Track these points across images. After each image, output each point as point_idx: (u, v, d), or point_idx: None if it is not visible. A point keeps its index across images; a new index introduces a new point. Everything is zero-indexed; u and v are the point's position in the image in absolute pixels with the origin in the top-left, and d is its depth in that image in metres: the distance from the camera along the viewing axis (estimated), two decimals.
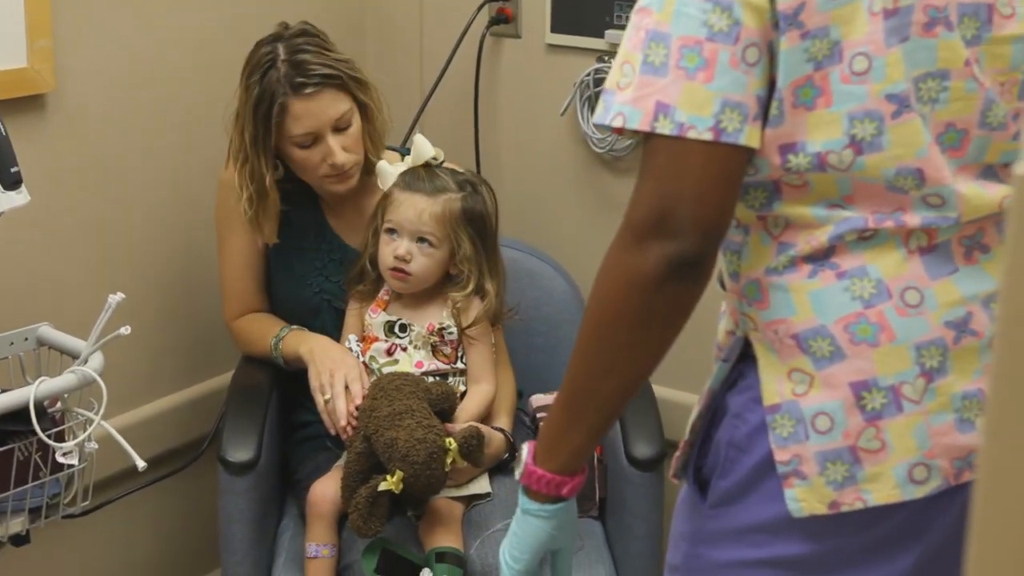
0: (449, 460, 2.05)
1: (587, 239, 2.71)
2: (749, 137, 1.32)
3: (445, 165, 2.29)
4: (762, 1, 1.31)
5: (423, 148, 2.25)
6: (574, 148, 2.69)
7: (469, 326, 2.26)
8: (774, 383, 1.41)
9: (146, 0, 2.43)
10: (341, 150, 2.26)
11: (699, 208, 1.31)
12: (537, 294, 2.61)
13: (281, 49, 2.24)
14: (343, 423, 2.16)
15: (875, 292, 1.38)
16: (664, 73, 1.31)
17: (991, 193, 1.40)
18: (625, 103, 1.33)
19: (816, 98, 1.34)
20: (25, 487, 1.84)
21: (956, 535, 1.43)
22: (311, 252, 2.39)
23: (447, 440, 2.06)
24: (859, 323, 1.38)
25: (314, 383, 2.23)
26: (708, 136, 1.30)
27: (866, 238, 1.39)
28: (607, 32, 2.57)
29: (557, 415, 1.46)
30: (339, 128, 2.27)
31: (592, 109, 2.62)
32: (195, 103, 2.55)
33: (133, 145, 2.45)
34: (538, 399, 2.53)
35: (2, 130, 1.82)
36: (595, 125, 1.42)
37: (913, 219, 1.38)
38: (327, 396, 2.19)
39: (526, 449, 1.51)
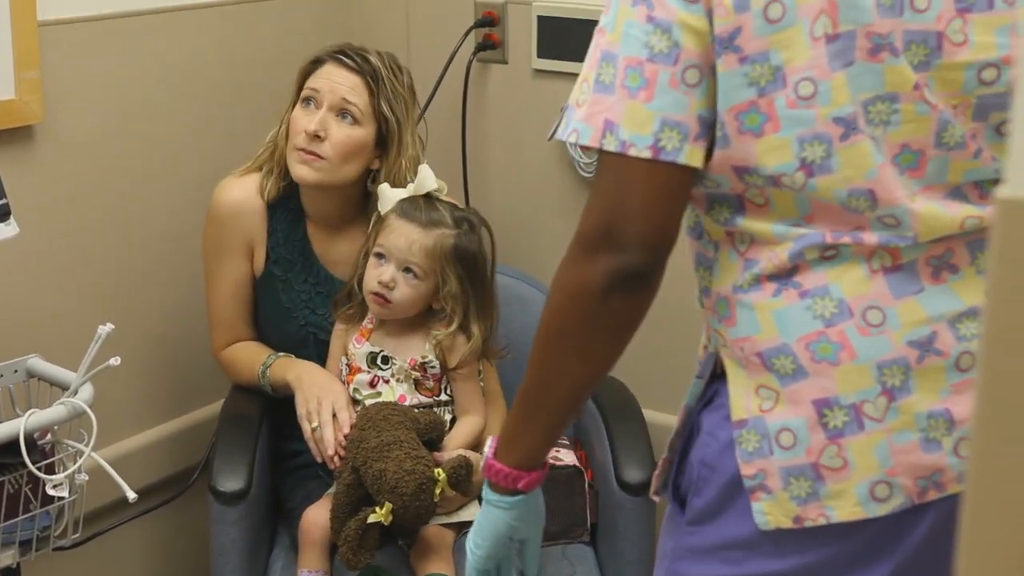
0: (438, 491, 2.05)
1: None
2: (689, 156, 1.35)
3: (447, 199, 2.28)
4: (702, 24, 1.34)
5: (426, 179, 2.24)
6: (562, 173, 2.69)
7: (455, 368, 2.25)
8: (742, 398, 1.44)
9: (134, 30, 2.43)
10: (321, 124, 2.25)
11: (642, 223, 1.36)
12: (527, 319, 2.61)
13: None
14: (331, 452, 2.16)
15: (836, 311, 1.40)
16: (612, 91, 1.35)
17: (952, 213, 1.41)
18: (579, 120, 1.38)
19: (763, 124, 1.36)
20: (15, 520, 1.83)
21: (926, 554, 1.44)
22: (297, 284, 2.39)
23: (436, 471, 2.06)
24: (820, 341, 1.40)
25: (300, 411, 2.23)
26: (647, 154, 1.34)
27: (828, 257, 1.41)
28: None
29: (515, 413, 1.53)
30: (341, 113, 2.28)
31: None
32: (184, 132, 2.55)
33: (122, 175, 2.45)
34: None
35: None
36: (557, 139, 1.46)
37: (871, 238, 1.40)
38: (314, 424, 2.19)
39: (489, 443, 1.57)
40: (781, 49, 1.35)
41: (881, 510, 1.41)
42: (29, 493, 1.84)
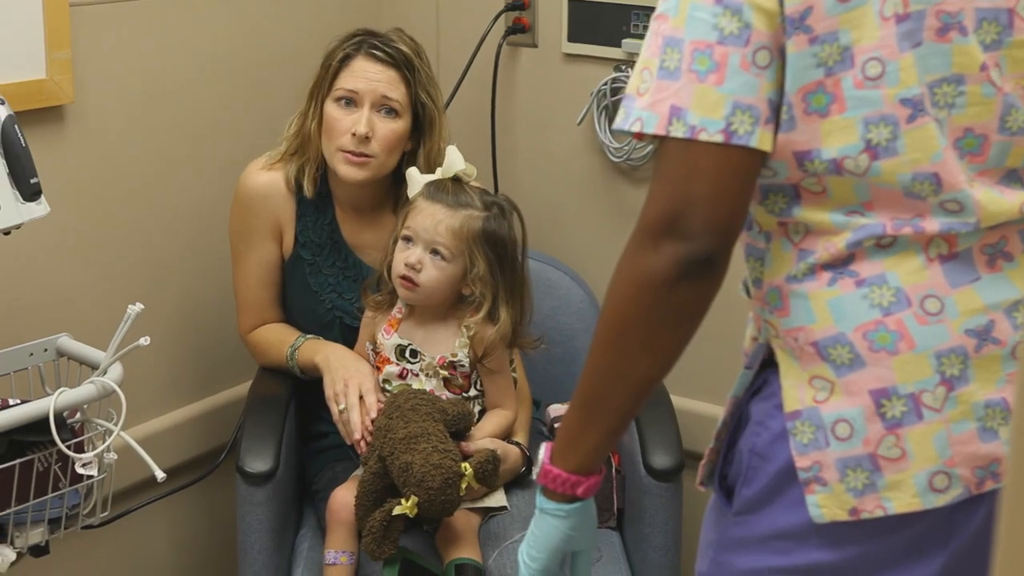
0: (464, 485, 2.05)
1: (604, 248, 2.71)
2: (760, 140, 1.33)
3: (476, 185, 2.27)
4: (772, 5, 1.32)
5: (454, 160, 2.22)
6: (591, 157, 2.68)
7: (482, 358, 2.22)
8: (795, 390, 1.41)
9: (164, 12, 2.44)
10: (368, 124, 2.24)
11: (711, 209, 1.32)
12: (554, 303, 2.61)
13: (377, 34, 2.32)
14: (357, 436, 2.16)
15: (894, 300, 1.38)
16: (678, 77, 1.33)
17: (1009, 199, 1.39)
18: (643, 108, 1.35)
19: (829, 104, 1.34)
20: (44, 498, 1.84)
21: (979, 545, 1.42)
22: (325, 268, 2.39)
23: (463, 465, 2.05)
24: (878, 331, 1.38)
25: (328, 392, 2.23)
26: (719, 138, 1.31)
27: (885, 246, 1.39)
28: (624, 41, 2.57)
29: (573, 415, 1.47)
30: (381, 109, 2.27)
31: (609, 119, 2.62)
32: (212, 114, 2.56)
33: (151, 156, 2.46)
34: (555, 409, 2.52)
35: (22, 141, 1.83)
36: (615, 131, 1.44)
37: (932, 225, 1.38)
38: (342, 406, 2.19)
39: (543, 449, 1.51)
40: (851, 28, 1.33)
41: (940, 501, 1.39)
42: (59, 471, 1.84)
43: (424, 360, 2.22)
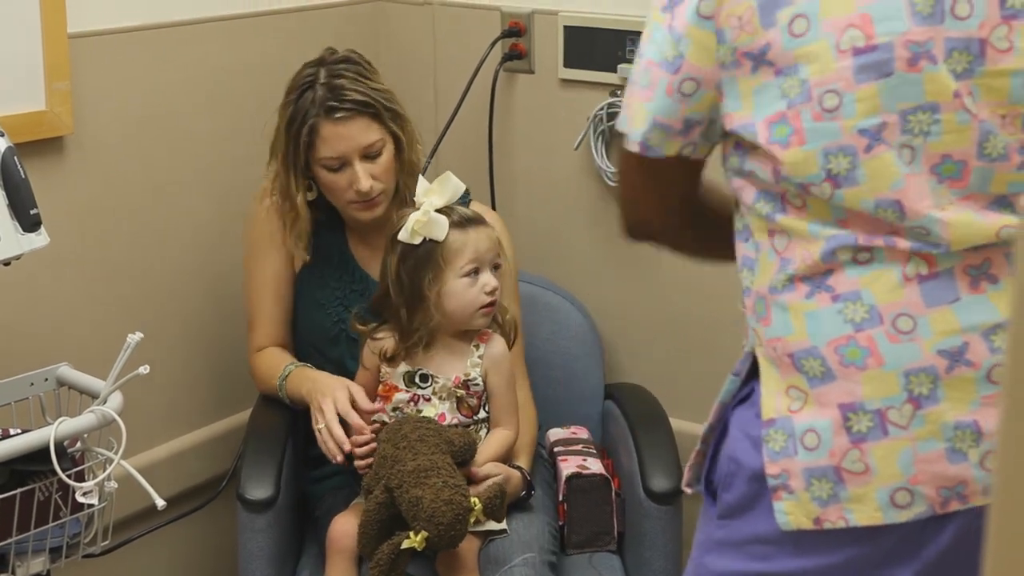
0: (473, 519, 2.05)
1: (602, 272, 2.72)
2: (668, 148, 1.49)
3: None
4: (710, 42, 1.43)
5: (457, 184, 2.22)
6: (588, 182, 2.70)
7: (489, 375, 2.24)
8: (773, 398, 1.46)
9: (163, 41, 2.45)
10: (367, 177, 2.27)
11: (627, 210, 1.62)
12: (553, 328, 2.62)
13: (322, 73, 2.29)
14: (340, 458, 2.15)
15: (867, 317, 1.42)
16: (633, 86, 1.51)
17: (988, 222, 1.41)
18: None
19: (790, 136, 1.40)
20: (45, 527, 1.84)
21: (946, 564, 1.44)
22: (333, 281, 2.40)
23: (472, 500, 2.06)
24: (849, 346, 1.42)
25: (313, 424, 2.22)
26: (636, 148, 1.49)
27: (862, 262, 1.42)
28: (619, 67, 2.59)
29: None
30: (368, 156, 2.29)
31: (606, 143, 2.63)
32: (212, 143, 2.57)
33: (151, 186, 2.47)
34: (555, 433, 2.53)
35: (22, 172, 1.84)
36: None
37: (904, 243, 1.41)
38: (320, 425, 2.19)
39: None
40: (808, 62, 1.39)
41: (901, 517, 1.42)
42: (59, 500, 1.85)
43: (438, 383, 2.22)
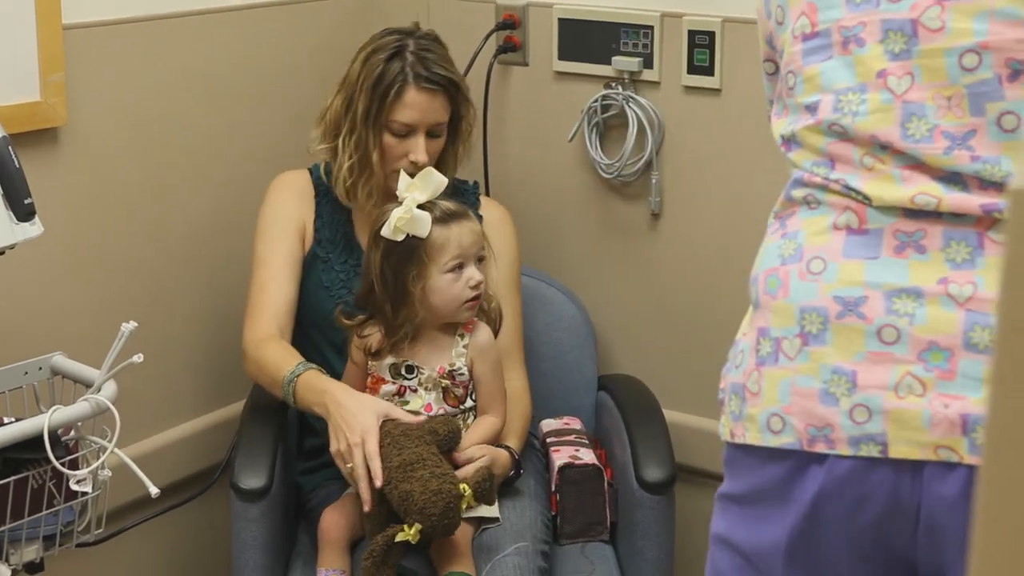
0: (464, 506, 2.06)
1: (596, 265, 2.73)
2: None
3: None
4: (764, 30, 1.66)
5: (439, 178, 2.23)
6: (582, 174, 2.70)
7: (474, 364, 2.24)
8: (744, 324, 1.60)
9: (158, 34, 2.46)
10: (424, 151, 2.33)
11: None
12: (546, 319, 2.63)
13: (411, 42, 2.37)
14: (368, 508, 2.11)
15: (792, 254, 1.52)
16: None
17: (905, 189, 1.47)
18: None
19: (773, 107, 1.63)
20: (39, 515, 1.85)
21: (822, 513, 1.48)
22: (337, 265, 2.41)
23: (461, 486, 2.06)
24: (772, 277, 1.53)
25: (333, 448, 2.16)
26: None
27: (812, 206, 1.53)
28: (614, 59, 2.59)
29: None
30: (432, 133, 2.36)
31: (600, 135, 2.64)
32: (207, 134, 2.57)
33: (145, 177, 2.47)
34: (548, 424, 2.54)
35: (16, 162, 1.84)
36: None
37: (838, 191, 1.52)
38: (349, 465, 2.13)
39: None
40: (784, 47, 1.58)
41: (773, 442, 1.49)
42: (53, 488, 1.85)
43: (423, 373, 2.23)
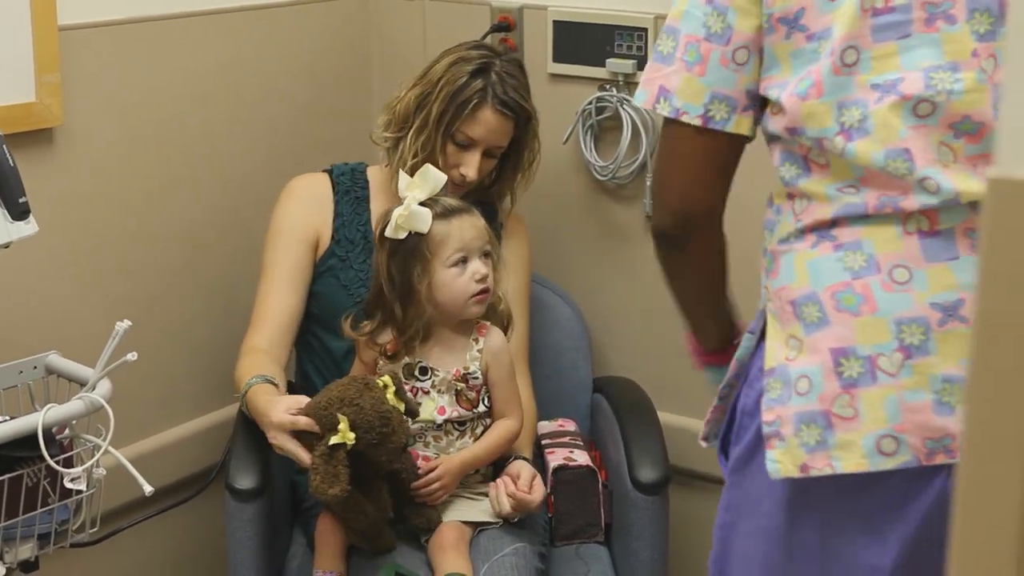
0: (389, 395, 2.05)
1: (591, 266, 2.73)
2: (737, 125, 1.51)
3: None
4: (754, 8, 1.49)
5: (438, 175, 2.23)
6: (577, 176, 2.71)
7: (489, 367, 2.25)
8: (776, 349, 1.51)
9: (153, 35, 2.46)
10: (476, 167, 2.36)
11: (678, 191, 1.56)
12: (541, 321, 2.63)
13: (498, 63, 2.40)
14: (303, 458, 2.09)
15: (865, 265, 1.46)
16: (671, 62, 1.53)
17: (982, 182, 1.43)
18: (640, 86, 1.57)
19: (809, 88, 1.47)
20: (34, 513, 1.85)
21: (935, 523, 1.45)
22: (356, 264, 2.42)
23: (380, 379, 2.08)
24: (845, 292, 1.46)
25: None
26: (698, 122, 1.51)
27: (866, 216, 1.47)
28: (608, 61, 2.60)
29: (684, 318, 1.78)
30: (489, 153, 2.39)
31: (595, 137, 2.65)
32: (202, 136, 2.58)
33: (140, 178, 2.48)
34: (543, 426, 2.54)
35: (11, 161, 1.85)
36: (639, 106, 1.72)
37: (911, 204, 1.44)
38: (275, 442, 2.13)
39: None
40: (837, 22, 1.46)
41: (887, 464, 1.43)
42: (47, 487, 1.86)
43: (437, 376, 2.23)
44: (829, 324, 1.46)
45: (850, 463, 1.44)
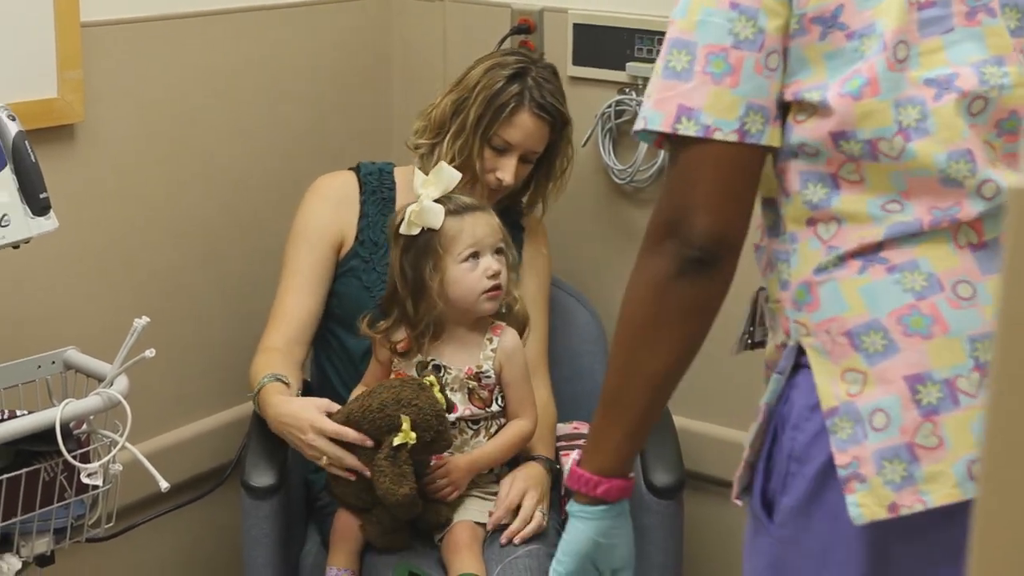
0: (436, 392, 2.08)
1: (608, 270, 2.73)
2: (770, 137, 1.39)
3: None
4: (783, 9, 1.39)
5: (453, 174, 2.24)
6: (595, 179, 2.71)
7: (503, 368, 2.25)
8: (829, 386, 1.40)
9: (175, 33, 2.47)
10: (513, 172, 2.37)
11: (709, 211, 1.39)
12: (559, 324, 2.63)
13: (534, 69, 2.41)
14: (351, 461, 2.11)
15: (927, 284, 1.38)
16: (688, 78, 1.39)
17: None
18: (649, 108, 1.41)
19: (863, 87, 1.38)
20: (50, 507, 1.86)
21: None
22: (379, 267, 2.42)
23: (426, 380, 2.11)
24: (912, 315, 1.38)
25: (307, 455, 2.18)
26: (734, 137, 1.38)
27: (918, 234, 1.40)
28: (628, 64, 2.60)
29: (597, 417, 1.51)
30: (525, 158, 2.40)
31: (614, 141, 2.65)
32: (222, 135, 2.59)
33: (160, 174, 2.49)
34: (559, 428, 2.54)
35: (32, 157, 1.86)
36: (633, 137, 1.48)
37: (969, 212, 1.38)
38: (323, 460, 2.13)
39: (575, 453, 1.54)
40: (882, 16, 1.38)
41: None
42: (64, 481, 1.86)
43: (450, 374, 2.24)
44: (898, 351, 1.37)
45: (941, 495, 1.35)
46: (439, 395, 2.11)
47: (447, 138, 2.39)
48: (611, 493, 1.51)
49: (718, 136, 1.37)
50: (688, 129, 1.38)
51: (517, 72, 2.39)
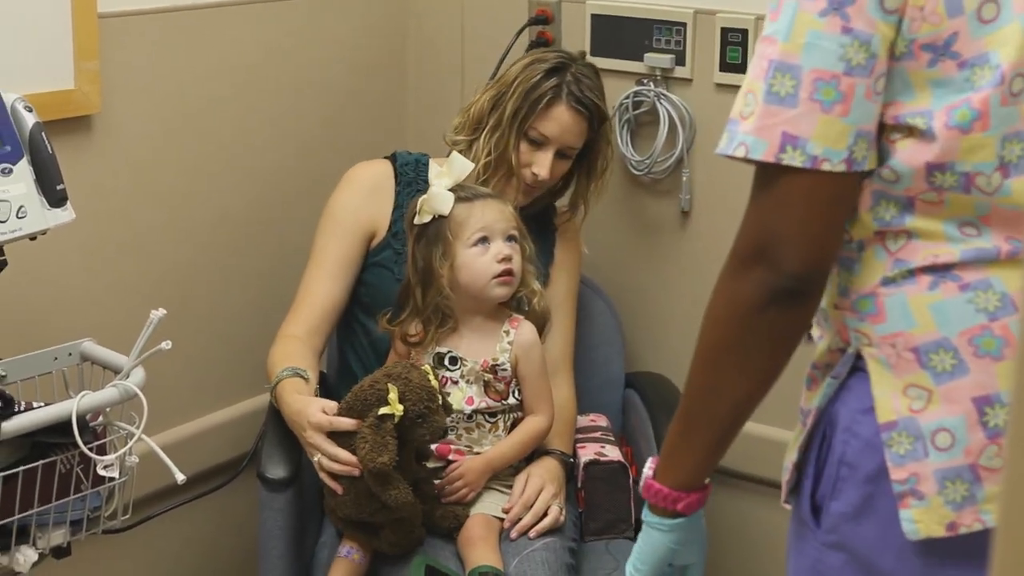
0: (429, 375, 2.06)
1: (625, 261, 2.72)
2: (871, 161, 1.35)
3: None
4: (893, 33, 1.33)
5: (464, 163, 2.25)
6: (613, 170, 2.69)
7: (519, 362, 2.24)
8: (890, 399, 1.39)
9: (192, 24, 2.47)
10: (548, 167, 2.36)
11: (803, 240, 1.35)
12: (576, 315, 2.62)
13: (573, 65, 2.40)
14: (344, 459, 2.08)
15: (1000, 305, 1.36)
16: (793, 104, 1.33)
17: None
18: (748, 133, 1.35)
19: (973, 121, 1.34)
20: (66, 499, 1.86)
21: None
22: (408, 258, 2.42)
23: (423, 368, 2.10)
24: (984, 336, 1.36)
25: (309, 454, 2.18)
26: (842, 168, 1.33)
27: (992, 260, 1.38)
28: (646, 55, 2.59)
29: (674, 431, 1.50)
30: (562, 153, 2.38)
31: (631, 132, 2.63)
32: (239, 125, 2.58)
33: (177, 166, 2.48)
34: (576, 421, 2.53)
35: (49, 149, 1.86)
36: (719, 154, 1.41)
37: None
38: (316, 457, 2.13)
39: (649, 463, 1.54)
40: (998, 48, 1.33)
41: None
42: (80, 473, 1.87)
43: (466, 365, 2.23)
44: (968, 372, 1.35)
45: None
46: (434, 381, 2.08)
47: (484, 133, 2.38)
48: (691, 507, 1.51)
49: (826, 167, 1.32)
50: (794, 160, 1.33)
51: (556, 66, 2.38)
